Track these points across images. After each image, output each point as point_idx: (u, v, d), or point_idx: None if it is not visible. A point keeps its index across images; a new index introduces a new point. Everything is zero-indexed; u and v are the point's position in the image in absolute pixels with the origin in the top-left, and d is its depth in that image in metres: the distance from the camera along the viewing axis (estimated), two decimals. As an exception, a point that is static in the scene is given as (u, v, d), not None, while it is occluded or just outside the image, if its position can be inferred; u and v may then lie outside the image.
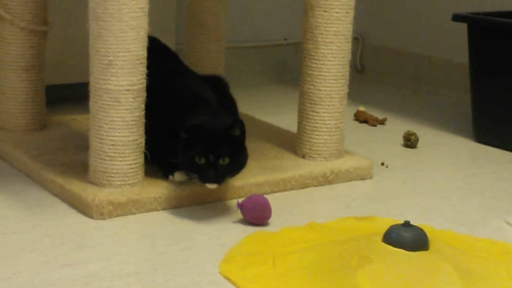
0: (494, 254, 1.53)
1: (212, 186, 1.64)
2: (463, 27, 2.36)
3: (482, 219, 1.77)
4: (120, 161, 1.70)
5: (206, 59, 2.34)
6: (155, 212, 1.70)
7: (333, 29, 1.91)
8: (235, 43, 3.00)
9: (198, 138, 1.63)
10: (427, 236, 1.44)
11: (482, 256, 1.50)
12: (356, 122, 2.57)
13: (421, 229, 1.44)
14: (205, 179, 1.63)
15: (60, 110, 2.30)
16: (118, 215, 1.66)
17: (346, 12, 1.91)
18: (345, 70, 1.96)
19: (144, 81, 1.70)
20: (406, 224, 1.44)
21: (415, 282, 1.35)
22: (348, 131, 2.09)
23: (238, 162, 1.67)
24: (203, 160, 1.62)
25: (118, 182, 1.71)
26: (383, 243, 1.43)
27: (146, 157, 1.75)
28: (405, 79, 3.23)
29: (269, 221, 1.68)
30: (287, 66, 3.19)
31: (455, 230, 1.67)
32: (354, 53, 2.08)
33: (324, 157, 1.98)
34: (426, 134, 2.43)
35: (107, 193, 1.68)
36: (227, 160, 1.63)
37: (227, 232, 1.62)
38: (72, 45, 2.36)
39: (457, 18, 2.36)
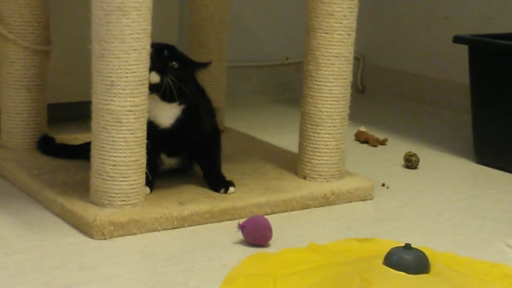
0: (495, 277, 1.52)
1: (153, 78, 1.74)
2: (464, 48, 2.37)
3: (483, 242, 1.77)
4: (121, 181, 1.70)
5: (207, 79, 2.33)
6: (156, 233, 1.70)
7: (335, 50, 1.92)
8: (237, 63, 3.01)
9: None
10: (428, 259, 1.44)
11: (483, 279, 1.50)
12: (357, 143, 2.57)
13: (422, 252, 1.44)
14: (151, 66, 1.73)
15: (61, 128, 2.31)
16: (119, 236, 1.66)
17: (348, 34, 1.92)
18: (347, 92, 1.97)
19: (146, 102, 1.71)
20: (407, 247, 1.44)
21: (416, 305, 1.35)
22: (349, 152, 2.09)
23: (186, 80, 1.80)
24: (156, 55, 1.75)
25: (119, 202, 1.71)
26: (384, 266, 1.43)
27: (147, 177, 1.76)
28: (406, 100, 3.23)
29: (270, 242, 1.67)
30: (289, 86, 3.20)
31: (456, 252, 1.67)
32: (355, 73, 2.09)
33: (325, 178, 1.98)
34: (427, 155, 2.43)
35: (108, 213, 1.68)
36: (177, 65, 1.78)
37: (228, 253, 1.62)
38: (73, 64, 2.37)
39: (458, 40, 2.37)
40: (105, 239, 1.65)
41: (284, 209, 1.87)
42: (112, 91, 1.67)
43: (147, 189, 1.80)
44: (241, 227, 1.66)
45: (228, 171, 1.94)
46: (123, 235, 1.67)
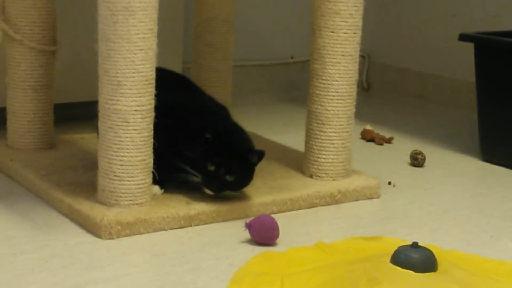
0: (502, 275, 1.52)
1: (209, 192, 1.76)
2: (470, 46, 2.36)
3: (489, 239, 1.77)
4: (128, 181, 1.71)
5: (213, 79, 2.35)
6: (163, 232, 1.70)
7: (341, 49, 1.92)
8: (242, 62, 3.01)
9: (218, 146, 1.73)
10: (435, 257, 1.44)
11: (490, 277, 1.50)
12: (363, 141, 2.57)
13: (429, 250, 1.44)
14: (207, 184, 1.75)
15: (68, 128, 2.31)
16: (126, 235, 1.67)
17: (354, 33, 1.92)
18: (352, 90, 1.97)
19: (153, 101, 1.71)
20: (415, 245, 1.44)
21: (424, 303, 1.35)
22: (355, 150, 2.09)
23: (241, 183, 1.79)
24: (213, 168, 1.73)
25: (126, 202, 1.71)
26: (391, 264, 1.43)
27: (154, 177, 1.76)
28: (412, 98, 3.23)
29: (277, 241, 1.68)
30: (294, 85, 3.20)
31: (463, 250, 1.67)
32: (360, 71, 2.10)
33: (331, 177, 1.98)
34: (433, 153, 2.43)
35: (116, 213, 1.69)
36: (233, 178, 1.74)
37: (235, 252, 1.62)
38: (80, 64, 2.37)
39: (464, 37, 2.37)
40: (113, 238, 1.65)
41: (291, 208, 1.87)
42: (118, 91, 1.67)
43: (158, 189, 1.80)
44: (248, 226, 1.67)
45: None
46: (130, 235, 1.67)
